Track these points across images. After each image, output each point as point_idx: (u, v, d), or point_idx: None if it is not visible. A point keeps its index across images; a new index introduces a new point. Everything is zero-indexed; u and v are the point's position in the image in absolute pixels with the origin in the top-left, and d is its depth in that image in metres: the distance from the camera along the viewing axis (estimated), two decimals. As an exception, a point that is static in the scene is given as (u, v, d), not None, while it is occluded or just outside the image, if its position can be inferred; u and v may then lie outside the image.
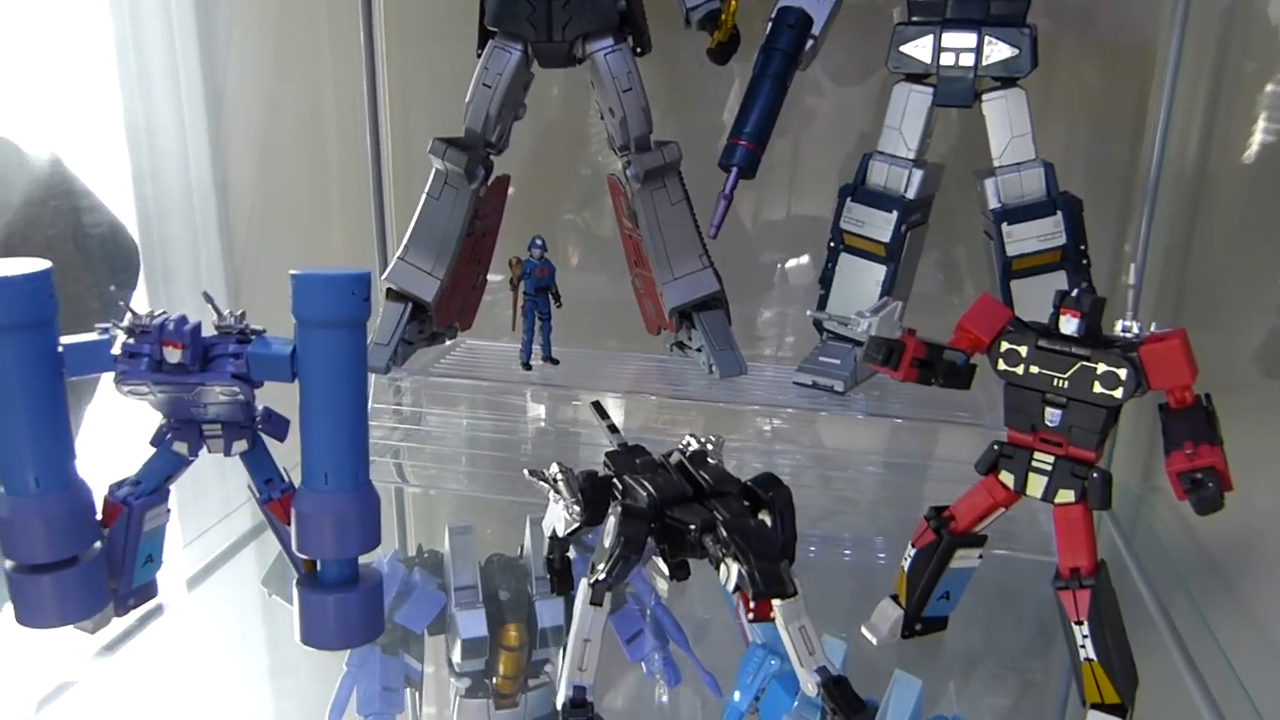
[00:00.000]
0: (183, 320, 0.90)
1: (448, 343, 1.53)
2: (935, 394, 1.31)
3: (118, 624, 1.02)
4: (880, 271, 1.31)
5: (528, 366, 1.45)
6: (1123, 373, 0.87)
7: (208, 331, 0.92)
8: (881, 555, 1.29)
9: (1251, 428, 1.04)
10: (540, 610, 1.04)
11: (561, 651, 0.99)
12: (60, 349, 0.90)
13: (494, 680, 1.02)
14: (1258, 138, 1.25)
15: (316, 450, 0.89)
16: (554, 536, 1.05)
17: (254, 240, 1.74)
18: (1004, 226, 1.23)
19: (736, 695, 0.90)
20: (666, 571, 1.13)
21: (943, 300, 1.57)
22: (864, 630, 1.06)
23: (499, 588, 1.06)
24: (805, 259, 1.63)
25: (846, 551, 1.32)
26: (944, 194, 1.39)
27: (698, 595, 1.14)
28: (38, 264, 0.88)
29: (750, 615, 0.81)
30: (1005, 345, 0.93)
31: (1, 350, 0.87)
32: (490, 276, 1.54)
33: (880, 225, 1.30)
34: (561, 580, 1.04)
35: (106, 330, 0.92)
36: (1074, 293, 0.90)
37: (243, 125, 1.72)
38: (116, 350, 0.91)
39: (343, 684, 0.99)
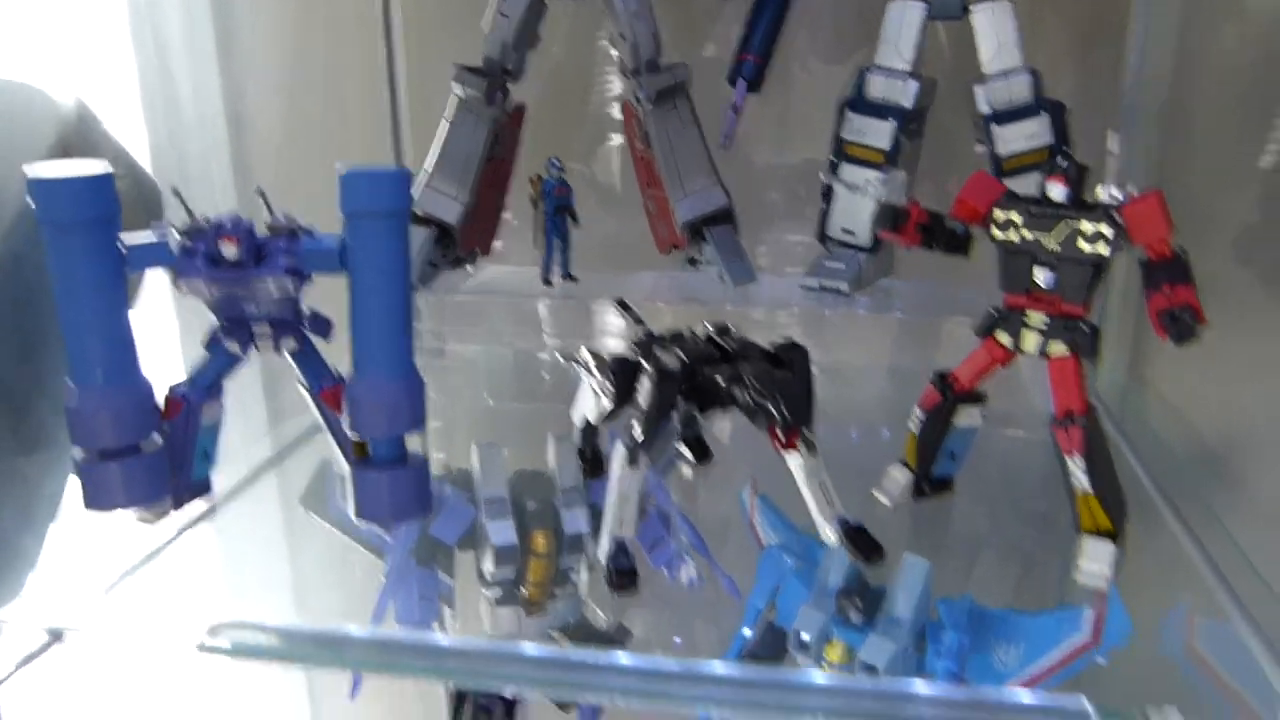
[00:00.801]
0: (238, 218, 0.96)
1: (469, 268, 1.59)
2: (935, 296, 1.39)
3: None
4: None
5: (548, 282, 1.51)
6: (1107, 229, 0.94)
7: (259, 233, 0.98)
8: (886, 435, 1.36)
9: (1230, 321, 1.11)
10: (566, 519, 1.06)
11: (585, 560, 1.07)
12: (123, 249, 0.95)
13: (524, 589, 1.06)
14: (1228, 43, 1.32)
15: (366, 337, 0.94)
16: (585, 427, 1.11)
17: (270, 176, 1.77)
18: (993, 128, 1.31)
19: (746, 633, 0.94)
20: (690, 456, 1.21)
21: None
22: (875, 493, 1.13)
23: (526, 499, 1.07)
24: (807, 194, 1.65)
25: (853, 433, 1.40)
26: (937, 123, 1.44)
27: (714, 507, 1.19)
28: (98, 165, 0.93)
29: (780, 446, 0.88)
30: (999, 214, 1.00)
31: (68, 246, 0.92)
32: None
33: (880, 133, 1.37)
34: (593, 467, 1.10)
35: (162, 229, 0.97)
36: (1060, 161, 0.97)
37: (258, 61, 1.74)
38: (174, 249, 0.96)
39: (382, 594, 1.04)
